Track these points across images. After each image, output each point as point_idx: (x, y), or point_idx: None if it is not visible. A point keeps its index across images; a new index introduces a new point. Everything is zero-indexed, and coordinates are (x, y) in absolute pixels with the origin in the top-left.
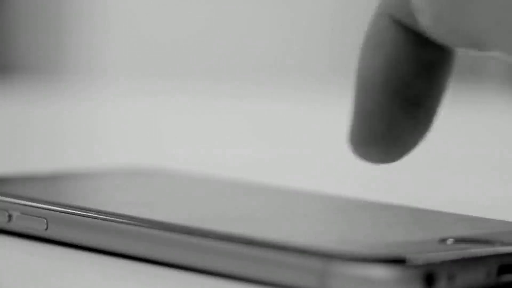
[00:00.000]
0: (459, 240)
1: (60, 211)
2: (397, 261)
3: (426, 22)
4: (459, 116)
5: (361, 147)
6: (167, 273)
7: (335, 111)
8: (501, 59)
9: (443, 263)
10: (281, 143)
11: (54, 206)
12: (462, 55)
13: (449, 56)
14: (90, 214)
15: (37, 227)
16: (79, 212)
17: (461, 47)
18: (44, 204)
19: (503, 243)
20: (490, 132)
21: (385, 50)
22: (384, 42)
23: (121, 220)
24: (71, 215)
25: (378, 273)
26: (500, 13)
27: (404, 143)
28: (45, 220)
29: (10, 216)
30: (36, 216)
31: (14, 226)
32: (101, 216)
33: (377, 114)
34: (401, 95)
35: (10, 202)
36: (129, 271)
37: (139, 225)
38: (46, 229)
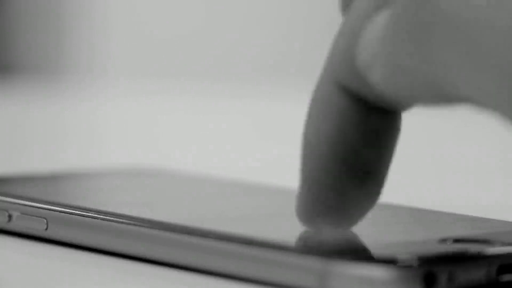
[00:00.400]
0: (459, 240)
1: (60, 211)
2: (397, 261)
3: (377, 78)
4: (459, 116)
5: (309, 217)
6: (167, 273)
7: None
8: (466, 107)
9: (443, 263)
10: (281, 143)
11: (54, 206)
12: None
13: (396, 120)
14: (90, 214)
15: (37, 227)
16: (79, 212)
17: (417, 102)
18: (44, 204)
19: (503, 243)
20: (490, 132)
21: (331, 118)
22: (330, 110)
23: (121, 220)
24: (71, 215)
25: (378, 273)
26: (470, 53)
27: (353, 213)
28: (45, 220)
29: (10, 216)
30: (36, 216)
31: (14, 226)
32: (101, 216)
33: (324, 184)
34: (349, 164)
35: (10, 202)
36: (129, 271)
37: (139, 225)
38: (46, 229)
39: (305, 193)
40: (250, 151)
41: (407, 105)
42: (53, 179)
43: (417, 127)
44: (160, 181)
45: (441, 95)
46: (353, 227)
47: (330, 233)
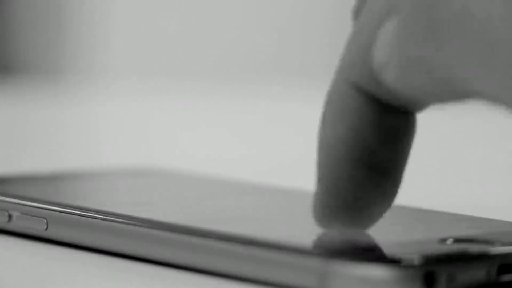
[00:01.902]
0: (459, 240)
1: (60, 211)
2: (397, 261)
3: (392, 78)
4: (458, 116)
5: (326, 219)
6: (167, 273)
7: None
8: (480, 104)
9: (443, 263)
10: (281, 143)
11: (54, 206)
12: None
13: (411, 121)
14: (90, 214)
15: (37, 227)
16: (79, 212)
17: (431, 100)
18: (44, 204)
19: (503, 243)
20: (490, 132)
21: (347, 118)
22: (345, 110)
23: (121, 220)
24: (71, 215)
25: (378, 273)
26: (485, 52)
27: (370, 214)
28: (45, 220)
29: (10, 216)
30: (36, 216)
31: (14, 226)
32: (101, 216)
33: (341, 186)
34: (366, 163)
35: (10, 202)
36: (129, 271)
37: (139, 225)
38: (46, 229)
39: (321, 194)
40: (250, 151)
41: (421, 104)
42: (53, 179)
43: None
44: (160, 181)
45: (454, 92)
46: (370, 228)
47: (347, 234)
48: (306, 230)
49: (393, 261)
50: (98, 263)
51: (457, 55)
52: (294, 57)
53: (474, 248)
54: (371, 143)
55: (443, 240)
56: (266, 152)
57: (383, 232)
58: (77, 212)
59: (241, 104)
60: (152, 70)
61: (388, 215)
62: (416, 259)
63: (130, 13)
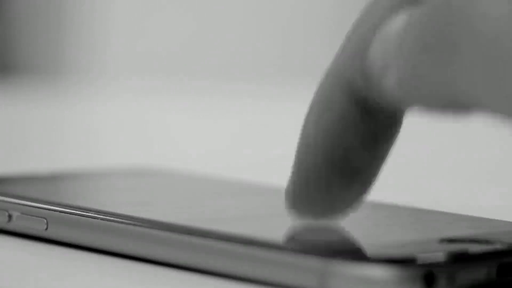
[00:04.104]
0: (459, 240)
1: (60, 211)
2: (397, 261)
3: (391, 81)
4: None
5: (295, 204)
6: (167, 273)
7: None
8: (482, 116)
9: (443, 263)
10: (281, 143)
11: (54, 206)
12: None
13: (396, 125)
14: (90, 214)
15: (37, 227)
16: (79, 212)
17: (430, 108)
18: (44, 204)
19: (503, 243)
20: (490, 131)
21: (330, 115)
22: (331, 105)
23: (121, 220)
24: (71, 215)
25: (378, 273)
26: (490, 65)
27: (337, 207)
28: (45, 220)
29: (10, 216)
30: (36, 216)
31: (14, 226)
32: (101, 216)
33: (313, 176)
34: (339, 160)
35: (10, 202)
36: (129, 271)
37: (139, 225)
38: (46, 229)
39: (294, 180)
40: (250, 151)
41: (417, 109)
42: (53, 179)
43: (417, 127)
44: (160, 181)
45: (457, 104)
46: (345, 224)
47: (347, 234)
48: (306, 230)
49: (393, 261)
50: (98, 263)
51: (468, 70)
52: (294, 57)
53: (474, 248)
54: (349, 142)
55: (443, 240)
56: (266, 152)
57: (383, 232)
58: (77, 212)
59: (241, 104)
60: (151, 70)
61: (388, 215)
62: (416, 259)
63: (130, 13)
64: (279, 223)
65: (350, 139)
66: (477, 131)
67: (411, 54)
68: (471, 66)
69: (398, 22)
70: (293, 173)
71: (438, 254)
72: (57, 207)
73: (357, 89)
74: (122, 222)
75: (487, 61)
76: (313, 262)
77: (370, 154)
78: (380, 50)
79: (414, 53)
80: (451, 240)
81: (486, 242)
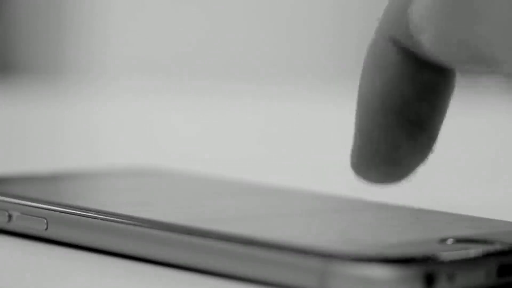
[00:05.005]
0: (459, 240)
1: (60, 211)
2: (397, 261)
3: (428, 42)
4: (459, 116)
5: (363, 169)
6: (167, 273)
7: (338, 111)
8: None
9: (443, 263)
10: (281, 142)
11: (54, 206)
12: None
13: (450, 77)
14: (90, 214)
15: (37, 227)
16: (79, 212)
17: (466, 64)
18: (44, 204)
19: (503, 243)
20: (490, 131)
21: (385, 73)
22: (384, 64)
23: (121, 220)
24: (71, 215)
25: (378, 273)
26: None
27: (406, 166)
28: (45, 220)
29: (10, 216)
30: (36, 216)
31: (14, 226)
32: (101, 216)
33: (378, 136)
34: (402, 117)
35: (10, 202)
36: (129, 271)
37: (139, 225)
38: (46, 229)
39: (358, 145)
40: (250, 151)
41: (455, 67)
42: (53, 179)
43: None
44: (160, 181)
45: (484, 62)
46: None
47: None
48: (306, 230)
49: (393, 261)
50: (98, 263)
51: (491, 34)
52: (295, 57)
53: (474, 248)
54: (407, 96)
55: (443, 240)
56: (266, 152)
57: (383, 232)
58: (77, 212)
59: (242, 104)
60: (151, 70)
61: (388, 215)
62: (416, 259)
63: (130, 13)
64: (279, 223)
65: (407, 92)
66: (477, 131)
67: (440, 14)
68: (492, 28)
69: None
70: (356, 136)
71: (438, 254)
72: (57, 207)
73: (406, 45)
74: (122, 222)
75: (506, 23)
76: (313, 262)
77: (429, 106)
78: (416, 13)
79: (443, 13)
80: (451, 240)
81: (486, 242)
